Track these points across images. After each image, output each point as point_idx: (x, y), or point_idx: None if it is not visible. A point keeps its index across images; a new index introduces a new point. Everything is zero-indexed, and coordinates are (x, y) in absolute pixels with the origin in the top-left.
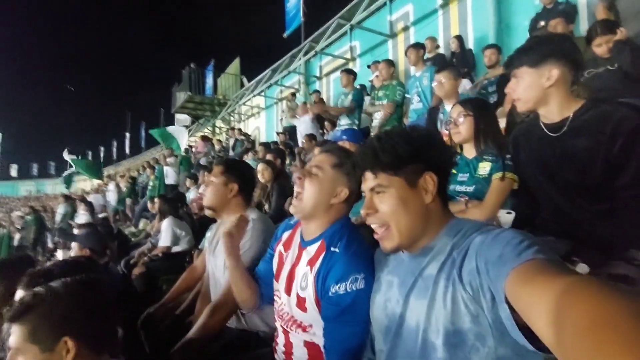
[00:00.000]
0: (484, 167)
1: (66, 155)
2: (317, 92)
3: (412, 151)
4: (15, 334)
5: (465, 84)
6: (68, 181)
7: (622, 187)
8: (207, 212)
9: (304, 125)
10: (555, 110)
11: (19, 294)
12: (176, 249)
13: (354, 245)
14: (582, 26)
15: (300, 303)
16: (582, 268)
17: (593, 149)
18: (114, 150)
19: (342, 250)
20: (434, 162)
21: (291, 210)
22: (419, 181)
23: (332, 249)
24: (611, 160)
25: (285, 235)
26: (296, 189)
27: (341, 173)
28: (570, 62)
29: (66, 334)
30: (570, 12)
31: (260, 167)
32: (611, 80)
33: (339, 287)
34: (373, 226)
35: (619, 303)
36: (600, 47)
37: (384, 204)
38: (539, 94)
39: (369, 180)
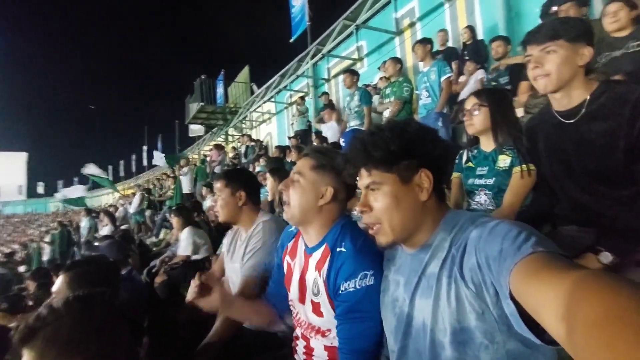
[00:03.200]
0: (504, 160)
1: (90, 169)
2: (326, 94)
3: (404, 146)
4: (25, 358)
5: (478, 74)
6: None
7: None
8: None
9: (331, 131)
10: (572, 95)
11: (60, 277)
12: (195, 257)
13: (360, 242)
14: (597, 8)
15: (316, 309)
16: (606, 257)
17: (611, 133)
18: (133, 163)
19: (349, 248)
20: (427, 157)
21: (284, 218)
22: (413, 178)
23: (337, 249)
24: (632, 143)
25: (290, 244)
26: (284, 198)
27: (322, 173)
28: (591, 47)
29: (74, 356)
30: None
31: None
32: (629, 64)
33: (349, 285)
34: (367, 222)
35: (630, 296)
36: (616, 18)
37: (377, 202)
38: (572, 72)
39: (364, 178)
